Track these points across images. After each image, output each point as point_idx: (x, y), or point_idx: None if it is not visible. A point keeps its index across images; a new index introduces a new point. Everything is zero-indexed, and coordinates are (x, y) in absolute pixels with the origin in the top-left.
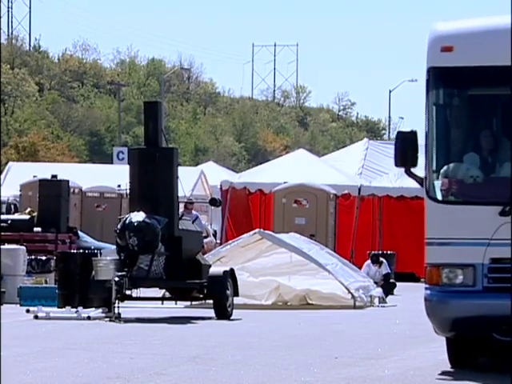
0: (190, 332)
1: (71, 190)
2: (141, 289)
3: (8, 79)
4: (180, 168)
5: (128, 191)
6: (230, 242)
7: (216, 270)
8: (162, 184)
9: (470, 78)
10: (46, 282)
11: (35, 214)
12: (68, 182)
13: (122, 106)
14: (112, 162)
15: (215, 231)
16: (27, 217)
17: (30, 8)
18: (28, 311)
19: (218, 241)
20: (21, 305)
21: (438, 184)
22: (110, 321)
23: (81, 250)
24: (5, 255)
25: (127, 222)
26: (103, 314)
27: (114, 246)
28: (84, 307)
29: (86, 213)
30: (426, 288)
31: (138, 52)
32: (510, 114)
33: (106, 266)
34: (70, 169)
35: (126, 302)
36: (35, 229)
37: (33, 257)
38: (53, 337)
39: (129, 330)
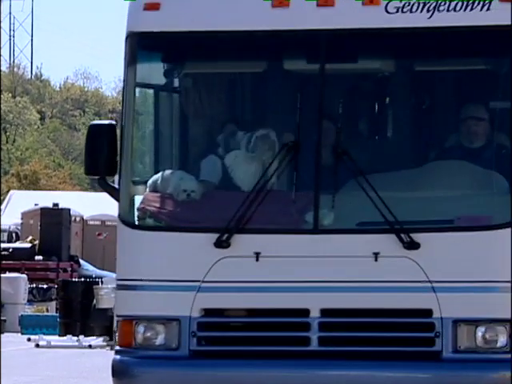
0: None
1: (72, 218)
2: None
3: (10, 107)
4: None
5: None
6: None
7: None
8: None
9: (187, 49)
10: (47, 311)
11: (36, 242)
12: (69, 210)
13: None
14: None
15: None
16: (28, 245)
17: (31, 36)
18: (29, 340)
19: None
20: (22, 333)
21: (137, 201)
22: (112, 349)
23: (82, 279)
24: (6, 283)
25: None
26: (104, 343)
27: (115, 275)
28: (85, 336)
29: (87, 241)
30: (116, 351)
31: None
32: (247, 101)
33: (108, 294)
34: (72, 197)
35: None
36: (36, 257)
37: (34, 285)
38: (54, 365)
39: None
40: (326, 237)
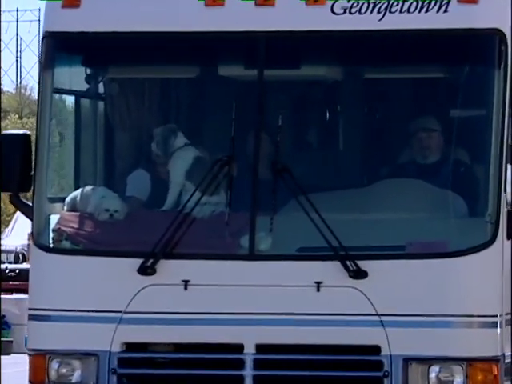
0: None
1: None
2: None
3: (16, 129)
4: None
5: None
6: None
7: None
8: None
9: (111, 51)
10: None
11: None
12: None
13: None
14: None
15: None
16: None
17: (38, 58)
18: None
19: None
20: (29, 355)
21: (53, 221)
22: None
23: None
24: (12, 305)
25: None
26: None
27: None
28: None
29: None
30: None
31: None
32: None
33: None
34: None
35: None
36: None
37: None
38: None
39: None
40: (262, 263)
